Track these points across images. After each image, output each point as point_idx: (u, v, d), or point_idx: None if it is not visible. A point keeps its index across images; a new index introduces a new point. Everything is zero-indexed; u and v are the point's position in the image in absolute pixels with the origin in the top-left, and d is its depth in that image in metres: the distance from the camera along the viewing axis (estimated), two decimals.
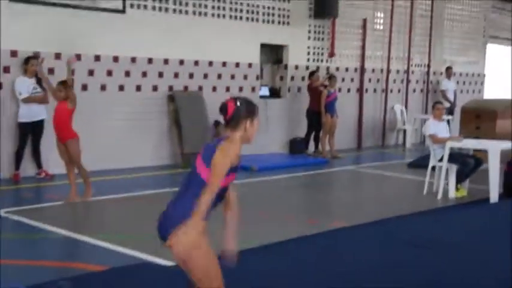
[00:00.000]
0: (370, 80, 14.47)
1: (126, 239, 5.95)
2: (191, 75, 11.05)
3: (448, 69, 15.66)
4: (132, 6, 10.08)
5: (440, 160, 8.63)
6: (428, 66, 15.92)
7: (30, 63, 8.81)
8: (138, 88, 10.35)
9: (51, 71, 9.18)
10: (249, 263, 4.88)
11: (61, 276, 4.77)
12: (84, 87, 9.67)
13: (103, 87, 9.91)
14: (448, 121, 13.60)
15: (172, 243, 3.20)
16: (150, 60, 10.44)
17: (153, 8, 10.34)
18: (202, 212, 3.14)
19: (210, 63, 11.33)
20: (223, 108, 3.40)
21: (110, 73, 9.97)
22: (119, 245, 5.73)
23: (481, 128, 11.80)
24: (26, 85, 8.80)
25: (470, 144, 8.95)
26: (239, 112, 3.37)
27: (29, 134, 8.90)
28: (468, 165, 8.60)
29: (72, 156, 7.42)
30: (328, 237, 6.23)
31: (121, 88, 10.13)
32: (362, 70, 14.17)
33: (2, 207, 7.08)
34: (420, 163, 10.84)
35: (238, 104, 3.38)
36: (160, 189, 8.70)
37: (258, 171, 10.26)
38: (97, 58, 9.80)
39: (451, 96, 15.41)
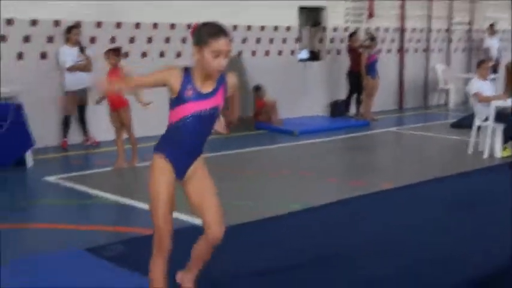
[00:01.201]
0: (410, 40, 14.23)
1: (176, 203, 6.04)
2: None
3: (491, 26, 15.26)
4: None
5: (486, 120, 8.50)
6: (470, 24, 15.55)
7: (72, 32, 8.91)
8: (178, 54, 10.39)
9: (92, 39, 9.30)
10: (292, 225, 4.94)
11: (114, 240, 4.91)
12: (126, 55, 9.74)
13: (144, 54, 9.99)
14: (493, 79, 13.34)
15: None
16: (188, 26, 10.45)
17: None
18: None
19: (249, 28, 11.28)
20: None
21: (150, 40, 10.02)
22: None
23: None
24: (69, 54, 8.92)
25: None
26: (196, 35, 3.18)
27: (76, 102, 9.06)
28: None
29: (124, 124, 7.52)
30: (373, 199, 6.23)
31: (161, 55, 10.18)
32: (402, 30, 13.93)
33: (53, 173, 7.26)
34: (464, 123, 10.70)
35: (196, 27, 3.20)
36: (213, 152, 8.78)
37: (299, 135, 10.27)
38: (137, 26, 9.86)
39: (494, 54, 15.04)
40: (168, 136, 3.36)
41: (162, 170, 3.35)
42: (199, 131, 3.31)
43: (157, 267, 3.39)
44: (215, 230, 3.44)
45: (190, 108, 3.22)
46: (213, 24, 3.22)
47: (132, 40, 9.83)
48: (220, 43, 3.15)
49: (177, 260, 3.71)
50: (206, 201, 3.46)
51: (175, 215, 3.56)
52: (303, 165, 8.03)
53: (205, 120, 3.28)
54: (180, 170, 3.40)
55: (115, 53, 7.42)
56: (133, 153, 7.69)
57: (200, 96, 3.23)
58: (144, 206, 5.95)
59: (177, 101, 3.23)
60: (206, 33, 3.15)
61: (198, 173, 3.48)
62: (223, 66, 3.21)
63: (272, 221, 5.40)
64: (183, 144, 3.33)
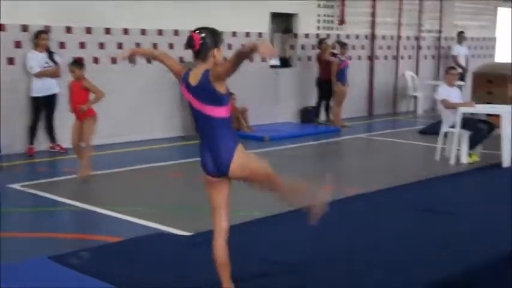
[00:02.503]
0: (381, 47, 14.38)
1: (141, 210, 6.03)
2: None
3: (460, 34, 15.50)
4: None
5: (453, 126, 8.62)
6: (440, 31, 15.78)
7: (40, 37, 8.82)
8: (149, 60, 10.33)
9: (61, 45, 9.22)
10: (259, 233, 4.95)
11: (79, 248, 4.86)
12: (96, 60, 9.69)
13: (114, 60, 9.93)
14: (460, 87, 13.54)
15: (233, 167, 3.65)
16: (160, 32, 10.43)
17: None
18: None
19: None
20: (190, 42, 3.63)
21: (120, 46, 9.97)
22: (134, 216, 5.82)
23: (493, 93, 11.76)
24: (37, 59, 8.83)
25: (483, 109, 8.94)
26: (206, 43, 3.60)
27: (42, 108, 8.96)
28: (480, 131, 8.59)
29: (86, 133, 7.31)
30: (341, 204, 6.27)
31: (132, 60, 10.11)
32: (373, 37, 14.07)
33: (18, 181, 7.17)
34: (431, 130, 10.83)
35: (203, 35, 3.60)
36: (174, 160, 8.78)
37: (269, 141, 10.30)
38: (107, 31, 9.81)
39: (462, 62, 15.27)
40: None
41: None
42: None
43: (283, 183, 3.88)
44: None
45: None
46: (209, 28, 3.72)
47: (102, 46, 9.77)
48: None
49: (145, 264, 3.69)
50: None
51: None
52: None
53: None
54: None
55: (78, 65, 7.36)
56: (87, 162, 7.45)
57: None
58: (110, 213, 5.94)
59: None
60: (217, 33, 3.68)
61: None
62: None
63: (234, 229, 5.39)
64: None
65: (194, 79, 3.63)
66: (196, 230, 5.30)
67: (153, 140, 10.15)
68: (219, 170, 3.67)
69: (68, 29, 9.36)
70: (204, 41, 3.59)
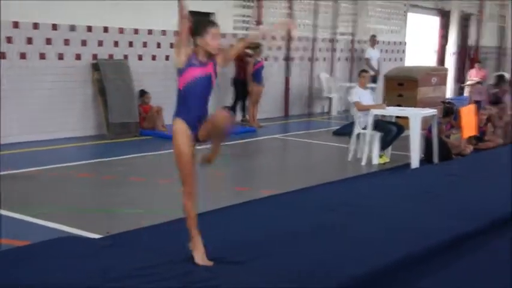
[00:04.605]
0: (297, 49, 14.57)
1: (50, 213, 5.84)
2: (116, 44, 10.80)
3: (372, 37, 15.95)
4: None
5: (364, 128, 8.84)
6: (353, 34, 16.16)
7: None
8: (61, 56, 10.03)
9: None
10: (172, 235, 4.88)
11: None
12: (2, 55, 9.29)
13: (23, 56, 9.55)
14: (373, 89, 13.92)
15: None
16: (72, 28, 10.13)
17: None
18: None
19: (136, 31, 11.09)
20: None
21: (30, 41, 9.61)
22: (42, 219, 5.63)
23: (403, 96, 12.17)
24: None
25: (393, 111, 9.22)
26: (194, 28, 4.23)
27: None
28: (390, 132, 8.85)
29: None
30: (254, 205, 6.29)
31: (42, 56, 9.79)
32: (289, 38, 14.22)
33: None
34: (345, 131, 11.06)
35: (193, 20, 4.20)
36: (86, 160, 8.55)
37: None
38: (15, 25, 9.42)
39: (375, 65, 15.73)
40: (180, 101, 4.24)
41: (182, 132, 4.21)
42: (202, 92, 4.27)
43: (190, 203, 4.33)
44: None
45: (195, 73, 4.18)
46: (206, 19, 4.54)
47: (9, 40, 9.37)
48: (214, 30, 4.22)
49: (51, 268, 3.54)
50: None
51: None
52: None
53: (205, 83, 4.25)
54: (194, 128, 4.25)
55: None
56: None
57: (201, 64, 4.21)
58: (17, 215, 5.70)
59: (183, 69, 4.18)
60: (203, 25, 4.23)
61: None
62: (219, 45, 4.26)
63: (151, 229, 5.32)
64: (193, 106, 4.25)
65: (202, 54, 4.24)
66: (107, 233, 5.18)
67: (64, 139, 9.86)
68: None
69: None
70: (193, 29, 4.22)
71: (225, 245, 4.77)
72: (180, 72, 4.18)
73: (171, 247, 4.68)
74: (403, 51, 18.35)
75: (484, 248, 5.12)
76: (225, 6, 12.65)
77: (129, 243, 4.94)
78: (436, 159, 8.90)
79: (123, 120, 10.44)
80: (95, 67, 10.41)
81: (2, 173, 7.22)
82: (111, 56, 10.71)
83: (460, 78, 21.03)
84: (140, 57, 11.21)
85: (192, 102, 4.22)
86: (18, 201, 6.23)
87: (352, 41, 16.21)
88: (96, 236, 5.15)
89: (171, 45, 11.63)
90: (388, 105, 9.39)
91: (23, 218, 5.68)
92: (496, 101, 11.50)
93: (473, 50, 21.92)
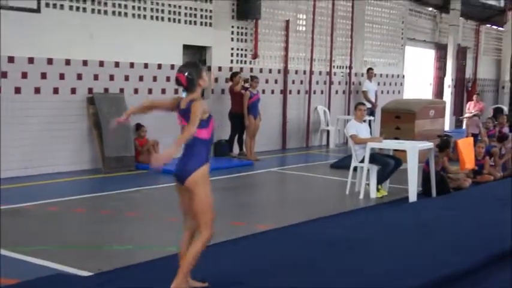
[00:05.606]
0: (293, 82, 14.57)
1: (41, 250, 5.72)
2: (112, 77, 10.77)
3: (369, 70, 15.98)
4: (47, 5, 9.70)
5: (362, 161, 8.76)
6: (350, 67, 16.20)
7: None
8: (56, 91, 9.99)
9: None
10: (167, 270, 4.77)
11: None
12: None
13: (17, 90, 9.51)
14: (370, 122, 13.89)
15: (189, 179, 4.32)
16: (67, 62, 10.11)
17: (70, 7, 9.99)
18: (179, 143, 4.17)
19: (132, 65, 11.08)
20: (178, 82, 4.38)
21: (25, 75, 9.58)
22: (33, 256, 5.50)
23: (400, 129, 12.11)
24: None
25: (390, 144, 9.15)
26: (191, 79, 4.33)
27: None
28: (388, 165, 8.76)
29: None
30: (252, 240, 6.18)
31: (37, 91, 9.75)
32: (285, 71, 14.25)
33: None
34: (342, 164, 11.00)
35: (186, 74, 4.33)
36: (81, 195, 8.45)
37: None
38: (11, 60, 9.39)
39: (372, 97, 15.72)
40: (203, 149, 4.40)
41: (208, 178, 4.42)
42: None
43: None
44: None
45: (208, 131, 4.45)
46: (188, 63, 4.77)
47: (4, 75, 9.33)
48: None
49: None
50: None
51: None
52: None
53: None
54: None
55: None
56: None
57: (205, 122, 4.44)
58: (7, 253, 5.57)
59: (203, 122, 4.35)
60: (196, 66, 4.46)
61: None
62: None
63: (147, 265, 5.20)
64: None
65: (183, 104, 4.39)
66: (98, 270, 5.06)
67: (59, 173, 9.77)
68: (181, 176, 4.34)
69: None
70: (190, 77, 4.34)
71: (217, 279, 4.66)
72: (205, 123, 4.36)
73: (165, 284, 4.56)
74: (401, 84, 18.38)
75: (482, 284, 5.01)
76: (221, 40, 12.67)
77: (121, 280, 4.83)
78: (434, 192, 8.80)
79: (119, 154, 10.36)
80: (91, 101, 10.36)
81: None
82: (106, 90, 10.67)
83: (458, 110, 21.06)
84: (136, 91, 11.17)
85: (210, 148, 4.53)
86: (10, 238, 6.10)
87: (349, 74, 16.23)
88: (87, 274, 5.02)
89: (167, 79, 11.62)
90: (385, 138, 9.31)
91: (14, 256, 5.55)
92: (502, 138, 11.41)
93: (471, 82, 22.00)
